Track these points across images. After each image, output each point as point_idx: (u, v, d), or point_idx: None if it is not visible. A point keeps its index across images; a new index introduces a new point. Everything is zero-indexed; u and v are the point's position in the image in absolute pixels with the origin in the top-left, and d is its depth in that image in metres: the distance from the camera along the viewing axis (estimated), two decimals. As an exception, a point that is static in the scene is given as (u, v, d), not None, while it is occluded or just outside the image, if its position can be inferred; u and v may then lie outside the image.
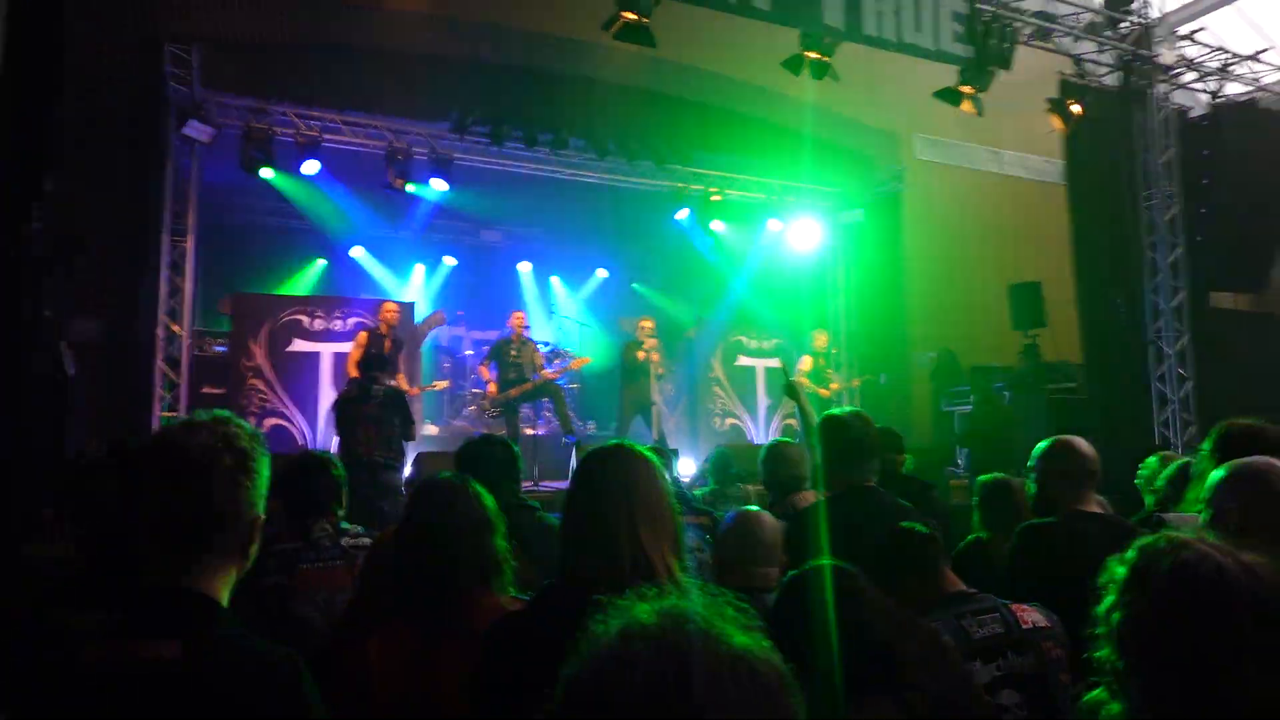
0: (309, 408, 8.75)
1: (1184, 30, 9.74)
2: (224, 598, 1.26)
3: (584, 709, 0.74)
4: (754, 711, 0.71)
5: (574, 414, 9.91)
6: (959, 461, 9.72)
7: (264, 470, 1.30)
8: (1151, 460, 3.76)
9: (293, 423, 8.63)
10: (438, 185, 9.40)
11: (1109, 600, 1.16)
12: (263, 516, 1.29)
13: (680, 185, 10.66)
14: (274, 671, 1.15)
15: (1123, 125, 9.12)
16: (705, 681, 0.70)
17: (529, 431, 9.21)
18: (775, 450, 3.82)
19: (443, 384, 9.13)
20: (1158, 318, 9.07)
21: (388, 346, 7.55)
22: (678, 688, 0.70)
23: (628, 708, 0.70)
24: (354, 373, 7.54)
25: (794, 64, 7.63)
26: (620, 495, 1.58)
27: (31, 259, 4.98)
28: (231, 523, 1.25)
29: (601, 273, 13.13)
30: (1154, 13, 9.12)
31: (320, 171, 9.05)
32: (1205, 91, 9.89)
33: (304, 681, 1.17)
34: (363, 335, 7.73)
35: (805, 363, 9.62)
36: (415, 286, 12.02)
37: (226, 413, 1.32)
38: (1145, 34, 9.02)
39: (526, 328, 8.80)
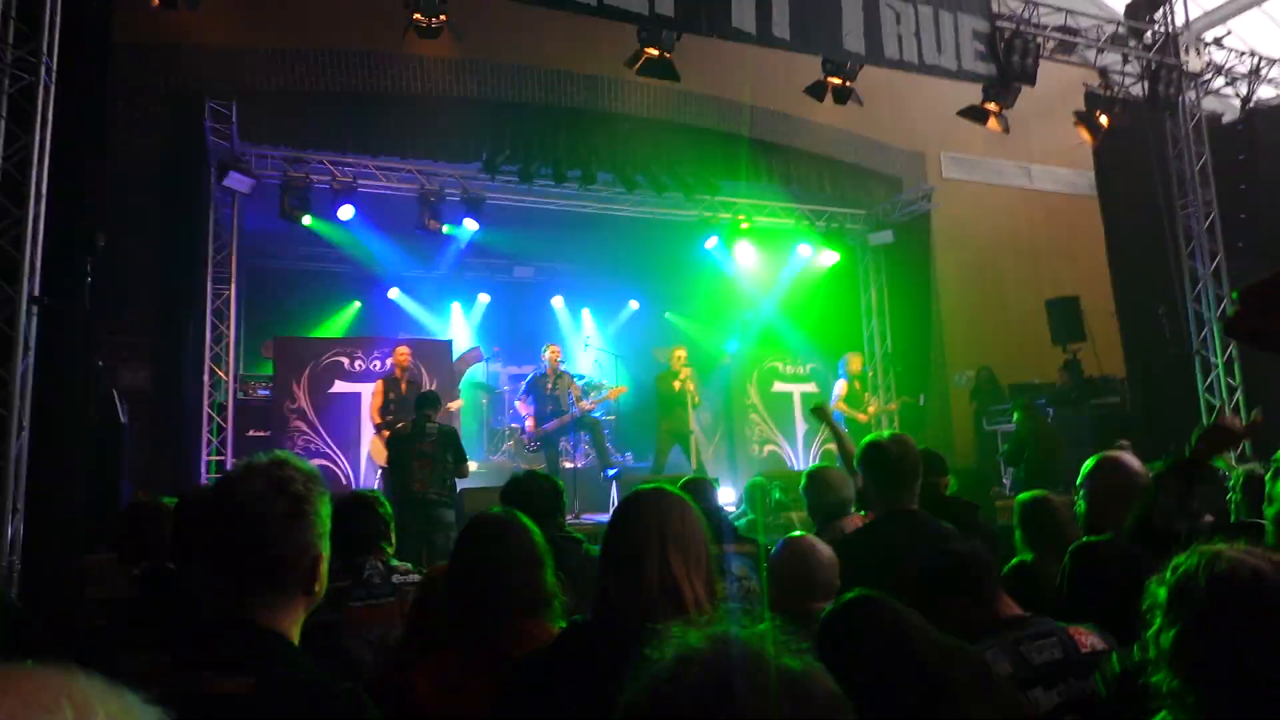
0: (351, 448, 8.88)
1: (1210, 36, 9.65)
2: (294, 634, 1.30)
3: None
4: None
5: (611, 446, 9.94)
6: (1005, 481, 9.55)
7: (322, 510, 1.35)
8: None
9: (336, 464, 8.76)
10: (470, 225, 9.58)
11: (1156, 623, 1.16)
12: (325, 554, 1.34)
13: (709, 214, 10.73)
14: (341, 705, 1.19)
15: (1153, 134, 9.02)
16: (756, 702, 0.72)
17: (568, 465, 9.24)
18: (817, 476, 3.78)
19: (456, 404, 9.16)
20: (1202, 327, 8.89)
21: (404, 389, 7.74)
22: (728, 709, 0.72)
23: None
24: (376, 419, 7.74)
25: (817, 90, 7.70)
26: (652, 525, 1.64)
27: (85, 311, 5.16)
28: (290, 564, 1.29)
29: (633, 304, 13.21)
30: (1178, 20, 9.05)
31: (356, 216, 9.29)
32: (1236, 96, 9.76)
33: (368, 716, 1.21)
34: (379, 384, 7.90)
35: (840, 388, 9.56)
36: (452, 324, 12.20)
37: (285, 454, 1.37)
38: (1170, 41, 8.95)
39: (561, 361, 8.87)
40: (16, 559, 4.72)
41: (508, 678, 1.66)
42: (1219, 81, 9.61)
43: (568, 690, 1.52)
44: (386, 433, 7.65)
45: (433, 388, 8.66)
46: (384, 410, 7.72)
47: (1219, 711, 1.07)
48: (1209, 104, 9.56)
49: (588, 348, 11.51)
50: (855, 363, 9.71)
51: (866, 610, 1.65)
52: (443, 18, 6.76)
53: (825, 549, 2.44)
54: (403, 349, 8.17)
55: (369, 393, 8.96)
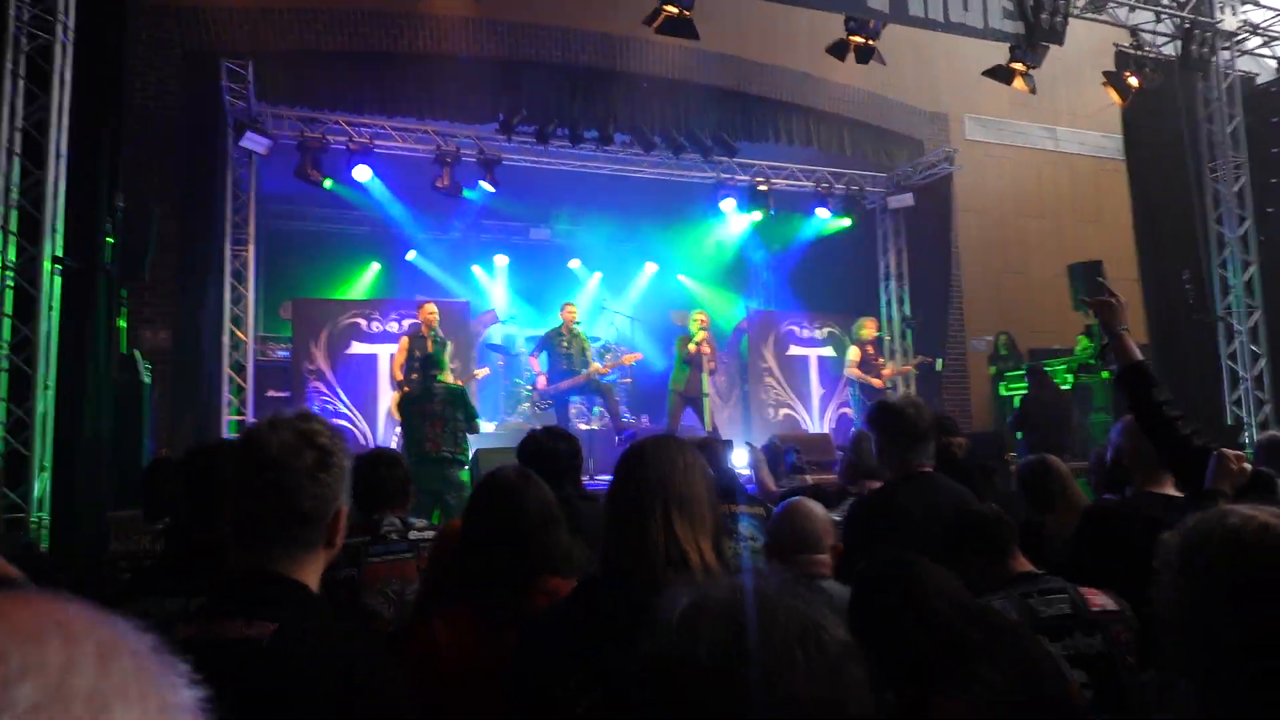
0: (369, 409, 8.96)
1: (1247, -6, 9.36)
2: (314, 585, 1.32)
3: (655, 678, 0.77)
4: (820, 679, 0.73)
5: (625, 408, 9.97)
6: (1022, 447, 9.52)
7: (345, 464, 1.36)
8: None
9: (354, 424, 8.85)
10: (486, 186, 9.54)
11: (1165, 578, 1.15)
12: (346, 507, 1.36)
13: (726, 176, 10.62)
14: (362, 652, 1.21)
15: (1184, 96, 8.81)
16: (771, 650, 0.73)
17: (583, 426, 9.28)
18: (862, 434, 3.84)
19: (482, 371, 9.22)
20: (1227, 293, 8.76)
21: (430, 346, 7.76)
22: (743, 656, 0.73)
23: (696, 676, 0.73)
24: (399, 375, 7.78)
25: (839, 49, 7.55)
26: (655, 487, 1.60)
27: (107, 271, 5.20)
28: (315, 515, 1.31)
29: (651, 266, 13.15)
30: (1215, -23, 8.79)
31: (372, 177, 9.27)
32: (1272, 56, 9.50)
33: (389, 663, 1.23)
34: (405, 340, 7.95)
35: (854, 353, 9.49)
36: (470, 286, 12.22)
37: (309, 410, 1.38)
38: (1205, 0, 8.69)
39: (577, 321, 8.88)
40: (44, 515, 4.82)
41: (522, 632, 1.68)
42: (1254, 41, 9.35)
43: (581, 644, 1.54)
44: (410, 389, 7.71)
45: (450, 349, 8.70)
46: (407, 367, 7.76)
47: (1218, 671, 1.06)
48: (1243, 64, 9.31)
49: (604, 309, 11.50)
50: (870, 327, 9.64)
51: (894, 568, 1.66)
52: (459, -26, 6.67)
53: (820, 509, 2.52)
54: (430, 306, 8.16)
55: (387, 353, 9.02)
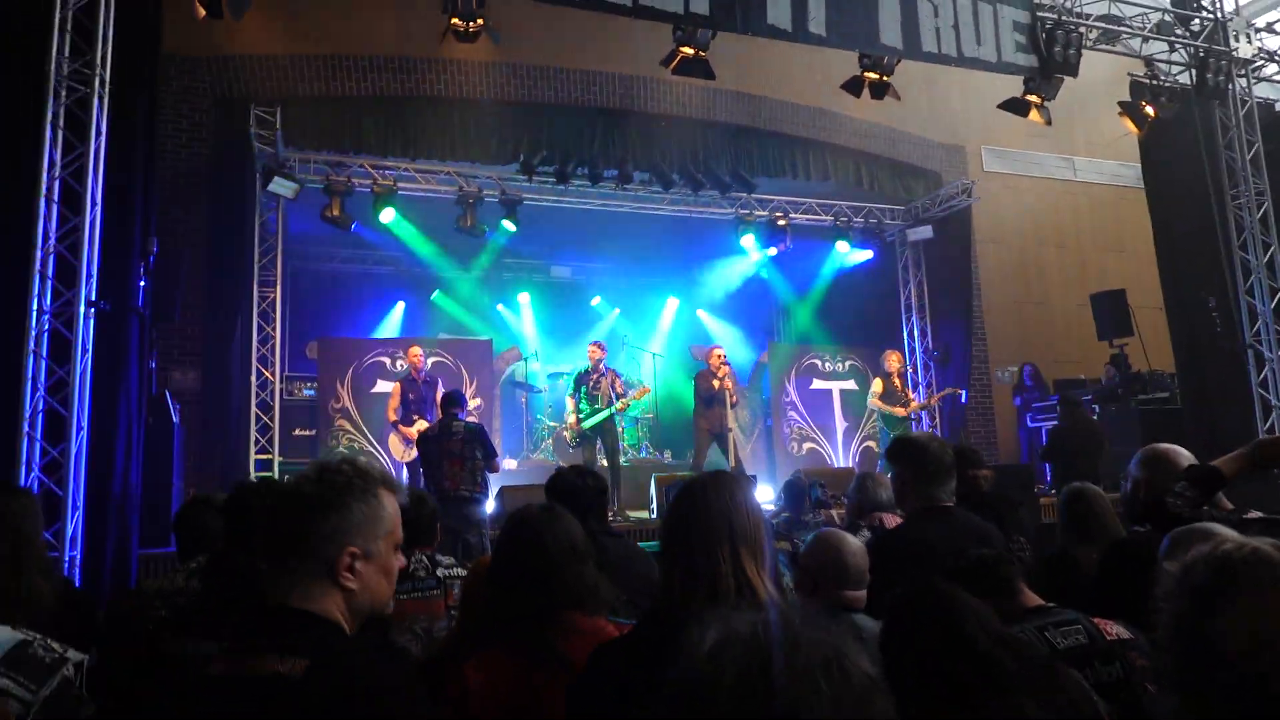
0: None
1: (1261, 21, 9.38)
2: (343, 620, 1.34)
3: (680, 710, 0.78)
4: (845, 711, 0.74)
5: (628, 445, 9.93)
6: (1049, 479, 9.40)
7: (357, 504, 1.36)
8: None
9: (380, 462, 8.91)
10: (508, 225, 9.68)
11: (1164, 602, 1.17)
12: (357, 549, 1.35)
13: (745, 212, 10.71)
14: (395, 687, 1.23)
15: (1202, 123, 8.79)
16: (796, 682, 0.74)
17: (604, 463, 9.28)
18: (865, 476, 3.92)
19: (474, 402, 9.19)
20: (1255, 320, 8.65)
21: (421, 390, 7.89)
22: (768, 688, 0.74)
23: (721, 708, 0.74)
24: (393, 418, 7.90)
25: (854, 86, 7.64)
26: (719, 522, 1.60)
27: (140, 314, 5.32)
28: (309, 551, 1.32)
29: (673, 302, 13.23)
30: (1228, 6, 8.81)
31: (397, 218, 9.45)
32: (1290, 83, 9.49)
33: (419, 699, 1.25)
34: (397, 386, 8.06)
35: (877, 384, 9.48)
36: (493, 324, 12.34)
37: (352, 454, 1.43)
38: (1219, 28, 8.72)
39: (602, 359, 8.92)
40: (77, 554, 4.89)
41: (581, 671, 1.66)
42: (1271, 68, 9.34)
43: (645, 681, 1.53)
44: (405, 429, 7.80)
45: (472, 387, 8.78)
46: (401, 410, 7.89)
47: (1204, 688, 1.07)
48: (1261, 91, 9.29)
49: (625, 345, 11.55)
50: (893, 360, 9.62)
51: (929, 595, 1.65)
52: (480, 21, 6.83)
53: (856, 543, 2.48)
54: (415, 349, 8.29)
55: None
